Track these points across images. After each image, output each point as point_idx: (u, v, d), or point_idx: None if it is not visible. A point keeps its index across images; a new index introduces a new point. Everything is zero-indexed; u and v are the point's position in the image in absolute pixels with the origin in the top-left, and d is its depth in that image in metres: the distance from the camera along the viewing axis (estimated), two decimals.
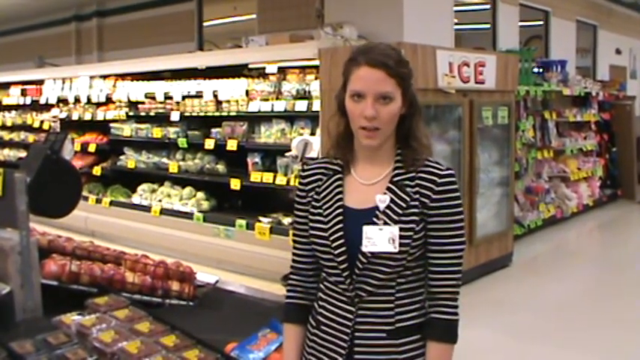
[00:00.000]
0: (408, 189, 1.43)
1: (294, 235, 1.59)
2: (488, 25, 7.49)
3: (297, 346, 1.54)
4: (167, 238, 5.93)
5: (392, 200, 1.42)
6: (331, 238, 1.45)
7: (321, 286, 1.53)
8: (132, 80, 6.83)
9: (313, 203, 1.52)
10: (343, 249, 1.43)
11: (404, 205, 1.42)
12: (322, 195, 1.50)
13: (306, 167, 1.58)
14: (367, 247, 1.39)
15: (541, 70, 7.60)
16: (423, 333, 1.44)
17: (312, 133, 5.08)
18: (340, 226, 1.44)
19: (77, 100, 7.46)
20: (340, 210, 1.46)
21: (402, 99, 1.43)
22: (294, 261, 1.59)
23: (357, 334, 1.43)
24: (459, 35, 6.60)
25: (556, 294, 4.98)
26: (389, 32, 5.36)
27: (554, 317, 4.42)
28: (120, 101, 6.87)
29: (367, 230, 1.40)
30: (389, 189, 1.44)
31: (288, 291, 1.58)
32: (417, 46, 4.50)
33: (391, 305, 1.43)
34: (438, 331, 1.43)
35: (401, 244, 1.39)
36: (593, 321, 4.33)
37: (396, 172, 1.45)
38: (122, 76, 6.95)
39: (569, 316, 4.46)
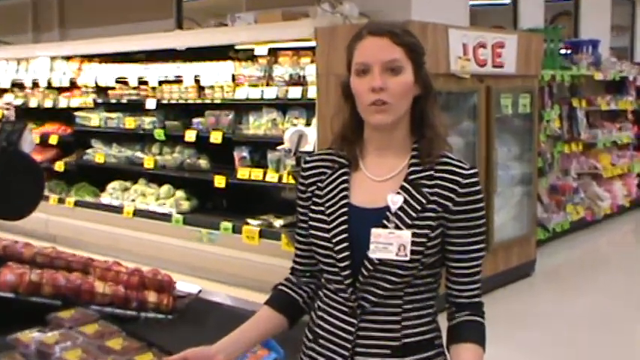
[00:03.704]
0: (425, 189, 1.44)
1: (296, 234, 1.61)
2: (508, 1, 7.50)
3: (254, 326, 1.52)
4: (142, 242, 5.94)
5: (405, 201, 1.43)
6: (334, 240, 1.46)
7: (320, 294, 1.55)
8: (100, 62, 6.82)
9: (314, 200, 1.53)
10: (347, 253, 1.44)
11: (419, 207, 1.43)
12: (325, 191, 1.51)
13: (308, 159, 1.60)
14: (375, 252, 1.40)
15: (569, 51, 7.60)
16: (450, 339, 1.46)
17: (308, 124, 5.09)
18: (345, 227, 1.46)
19: (35, 85, 7.44)
20: (345, 209, 1.47)
21: (413, 75, 1.44)
22: (293, 262, 1.63)
23: (358, 349, 1.44)
24: (475, 12, 6.61)
25: (584, 308, 4.99)
26: (395, 9, 5.37)
27: (581, 335, 4.43)
28: (86, 86, 6.86)
29: (376, 233, 1.41)
30: (403, 188, 1.44)
31: (278, 283, 1.62)
32: (426, 24, 4.52)
33: (398, 318, 1.44)
34: (473, 333, 1.44)
35: (413, 252, 1.40)
36: (626, 340, 4.35)
37: (412, 168, 1.46)
38: (89, 58, 6.93)
39: (598, 334, 4.46)
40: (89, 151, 6.81)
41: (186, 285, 2.49)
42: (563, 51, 7.35)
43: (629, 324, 4.66)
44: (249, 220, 5.34)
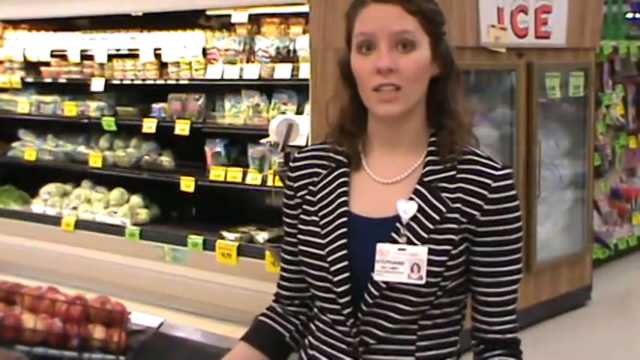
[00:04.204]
0: (445, 194, 1.46)
1: (282, 251, 1.64)
2: None
3: None
4: (86, 262, 5.94)
5: (420, 209, 1.45)
6: (329, 259, 1.47)
7: (312, 327, 1.57)
8: (30, 30, 6.86)
9: (305, 207, 1.56)
10: (346, 275, 1.46)
11: (437, 217, 1.44)
12: (319, 196, 1.54)
13: (297, 156, 1.62)
14: (381, 274, 1.42)
15: (638, 15, 7.61)
16: None
17: (299, 112, 5.11)
18: (343, 241, 1.47)
19: None
20: (344, 219, 1.49)
21: (431, 51, 1.46)
22: (278, 286, 1.65)
23: None
24: None
25: None
26: None
27: None
28: (11, 60, 6.88)
29: (382, 250, 1.43)
30: (417, 193, 1.46)
31: (260, 314, 1.65)
32: None
33: (411, 358, 1.46)
34: None
35: (429, 273, 1.41)
36: None
37: (429, 168, 1.48)
38: (14, 24, 6.96)
39: None
40: (16, 144, 6.81)
41: (143, 316, 2.50)
42: (629, 15, 7.34)
43: None
44: (225, 234, 5.36)
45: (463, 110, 1.51)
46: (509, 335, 1.50)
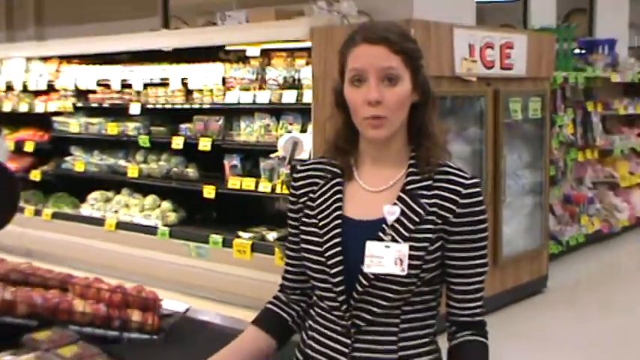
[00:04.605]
0: (424, 200, 1.46)
1: (286, 248, 1.64)
2: None
3: (239, 348, 1.55)
4: (125, 257, 5.94)
5: (403, 213, 1.45)
6: (327, 254, 1.48)
7: (312, 312, 1.57)
8: (80, 64, 6.85)
9: (306, 211, 1.55)
10: (340, 268, 1.46)
11: (417, 219, 1.45)
12: (317, 202, 1.54)
13: (299, 169, 1.62)
14: (370, 267, 1.42)
15: (584, 51, 7.63)
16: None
17: (303, 130, 5.11)
18: (338, 240, 1.48)
19: (9, 88, 7.45)
20: (339, 221, 1.49)
21: (411, 83, 1.46)
22: (282, 278, 1.65)
23: None
24: (482, 10, 6.66)
25: (600, 329, 4.98)
26: (396, 7, 5.41)
27: (597, 358, 4.43)
28: (65, 90, 6.88)
29: (371, 247, 1.43)
30: (400, 199, 1.46)
31: (268, 302, 1.64)
32: (429, 23, 4.55)
33: (394, 338, 1.46)
34: (475, 354, 1.47)
35: (410, 266, 1.41)
36: None
37: (410, 178, 1.48)
38: (67, 59, 6.95)
39: (615, 357, 4.46)
40: (68, 158, 6.82)
41: (172, 303, 2.50)
42: (577, 51, 7.37)
43: None
44: (241, 233, 5.36)
45: (438, 131, 1.51)
46: (477, 318, 1.50)
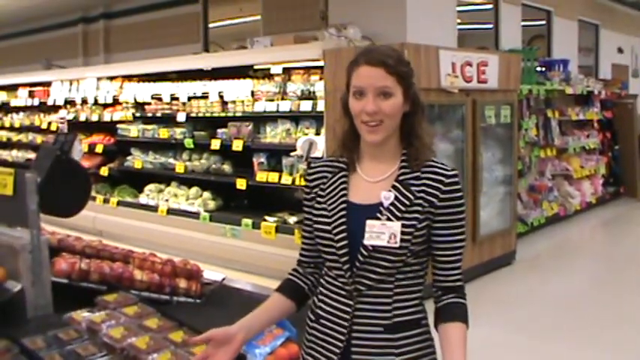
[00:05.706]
0: (413, 188, 1.46)
1: (302, 230, 1.62)
2: (490, 25, 7.48)
3: (267, 309, 1.54)
4: (174, 237, 5.96)
5: (396, 197, 1.45)
6: (334, 232, 1.47)
7: (322, 281, 1.56)
8: (138, 81, 6.87)
9: (318, 199, 1.55)
10: (345, 242, 1.46)
11: (407, 202, 1.44)
12: (327, 191, 1.53)
13: (312, 165, 1.61)
14: (369, 240, 1.42)
15: (544, 69, 7.59)
16: (437, 319, 1.47)
17: (317, 133, 5.09)
18: (344, 220, 1.47)
19: (84, 102, 7.50)
20: (344, 205, 1.49)
21: (403, 96, 1.46)
22: (300, 254, 1.64)
23: (354, 327, 1.45)
24: (462, 35, 6.61)
25: (559, 291, 4.99)
26: (392, 33, 5.38)
27: (557, 314, 4.43)
28: (126, 102, 6.91)
29: (370, 224, 1.43)
30: (394, 187, 1.46)
31: (288, 274, 1.63)
32: (420, 46, 4.51)
33: (389, 300, 1.45)
34: (458, 312, 1.45)
35: (402, 240, 1.42)
36: (597, 318, 4.33)
37: (402, 171, 1.48)
38: (129, 78, 6.98)
39: (572, 312, 4.46)
40: (129, 158, 6.84)
41: (212, 273, 2.51)
42: (538, 69, 7.34)
43: (600, 302, 4.65)
44: (267, 218, 5.35)
45: (426, 134, 1.51)
46: (458, 283, 1.49)
